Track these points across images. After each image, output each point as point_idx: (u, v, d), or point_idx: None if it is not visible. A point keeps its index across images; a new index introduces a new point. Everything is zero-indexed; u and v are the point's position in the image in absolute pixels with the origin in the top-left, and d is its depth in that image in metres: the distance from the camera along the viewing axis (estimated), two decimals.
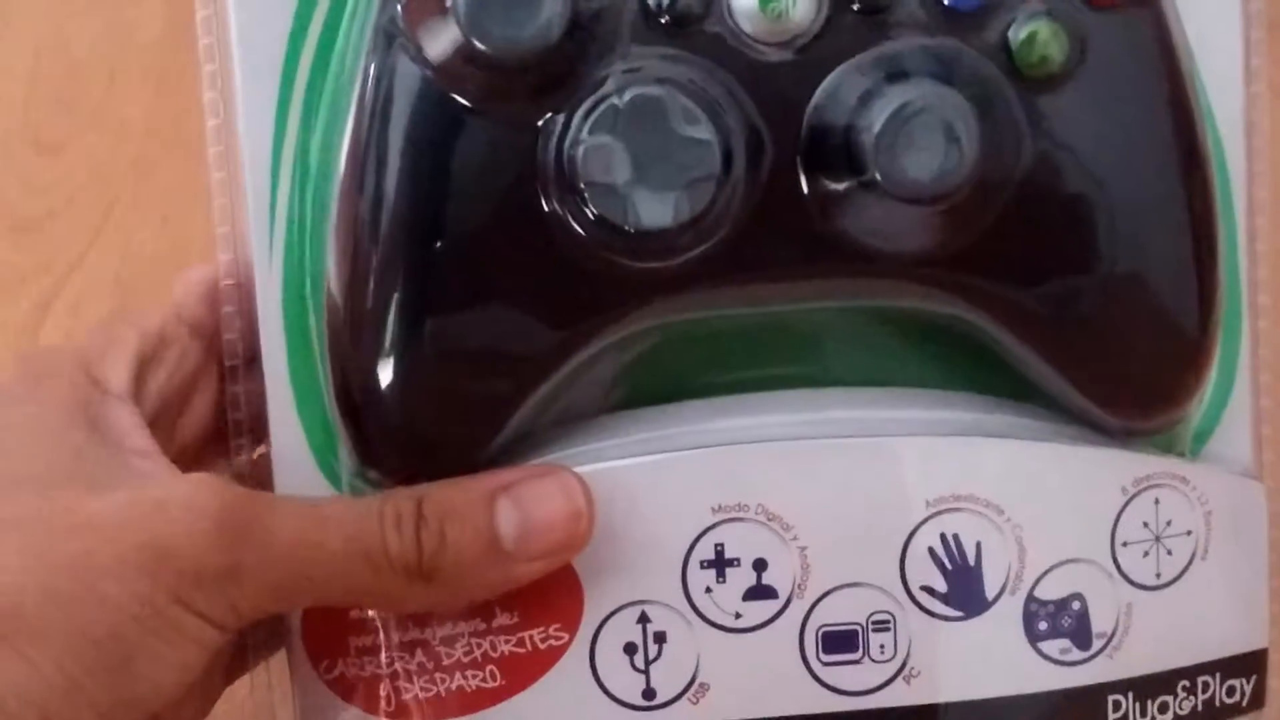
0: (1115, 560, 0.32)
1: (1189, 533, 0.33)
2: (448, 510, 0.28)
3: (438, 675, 0.30)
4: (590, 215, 0.28)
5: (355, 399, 0.29)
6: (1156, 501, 0.32)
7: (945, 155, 0.28)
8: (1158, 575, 0.32)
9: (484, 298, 0.28)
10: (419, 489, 0.28)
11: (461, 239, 0.28)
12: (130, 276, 0.50)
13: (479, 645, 0.29)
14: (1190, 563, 0.33)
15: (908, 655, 0.30)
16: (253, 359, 0.31)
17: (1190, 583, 0.32)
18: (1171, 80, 0.31)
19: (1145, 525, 0.32)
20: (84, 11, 0.65)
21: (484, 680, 0.29)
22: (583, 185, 0.28)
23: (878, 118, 0.28)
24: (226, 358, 0.31)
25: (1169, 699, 0.32)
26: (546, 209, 0.29)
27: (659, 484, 0.30)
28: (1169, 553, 0.32)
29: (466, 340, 0.29)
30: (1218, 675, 0.32)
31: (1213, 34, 0.32)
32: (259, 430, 0.31)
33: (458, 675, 0.30)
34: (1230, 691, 0.32)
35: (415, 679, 0.29)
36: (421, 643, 0.30)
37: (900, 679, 0.30)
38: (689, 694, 0.30)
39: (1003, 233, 0.30)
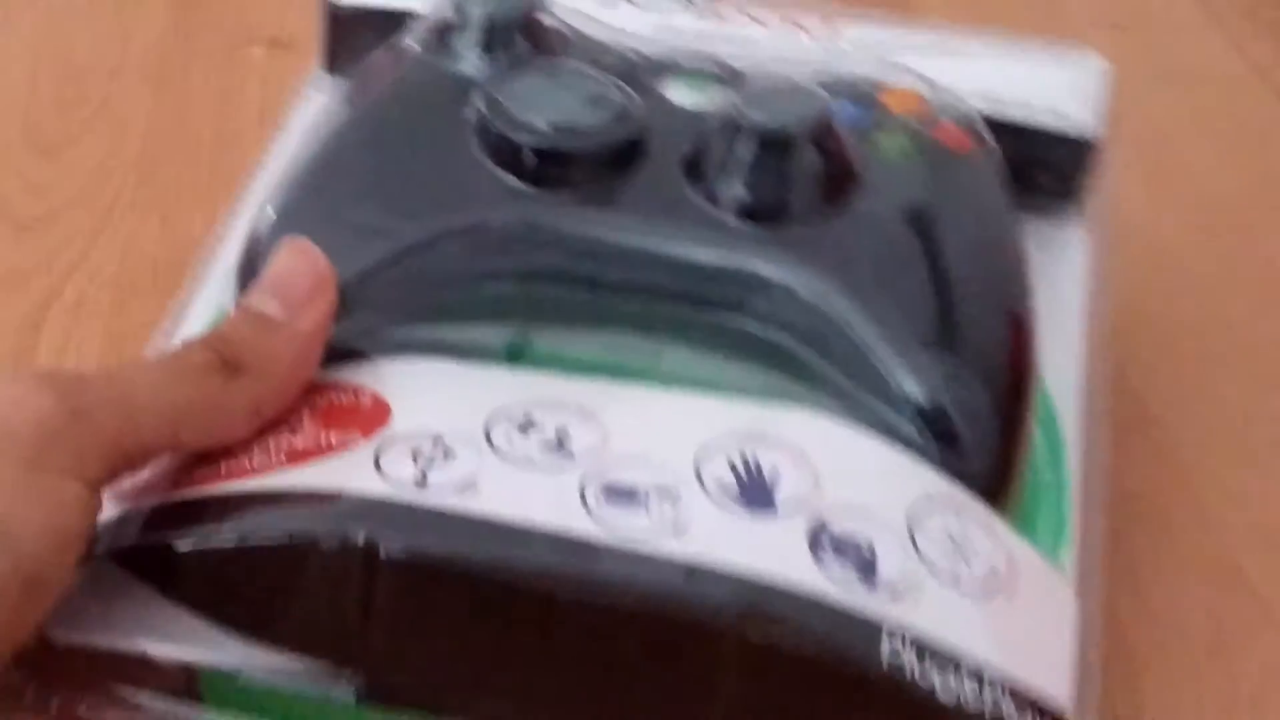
0: (913, 540, 0.30)
1: (993, 569, 0.30)
2: (225, 325, 0.32)
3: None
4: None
5: None
6: (958, 517, 0.31)
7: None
8: (956, 578, 0.30)
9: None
10: None
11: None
12: (130, 276, 0.50)
13: (276, 447, 0.31)
14: (993, 591, 0.30)
15: (684, 522, 0.30)
16: None
17: (993, 605, 0.30)
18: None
19: (949, 535, 0.31)
20: (84, 11, 0.65)
21: (266, 464, 0.31)
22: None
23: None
24: None
25: (952, 673, 0.28)
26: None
27: (482, 381, 0.33)
28: (968, 566, 0.30)
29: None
30: (1009, 698, 0.28)
31: None
32: None
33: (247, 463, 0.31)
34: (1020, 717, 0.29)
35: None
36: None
37: (670, 533, 0.29)
38: (457, 489, 0.30)
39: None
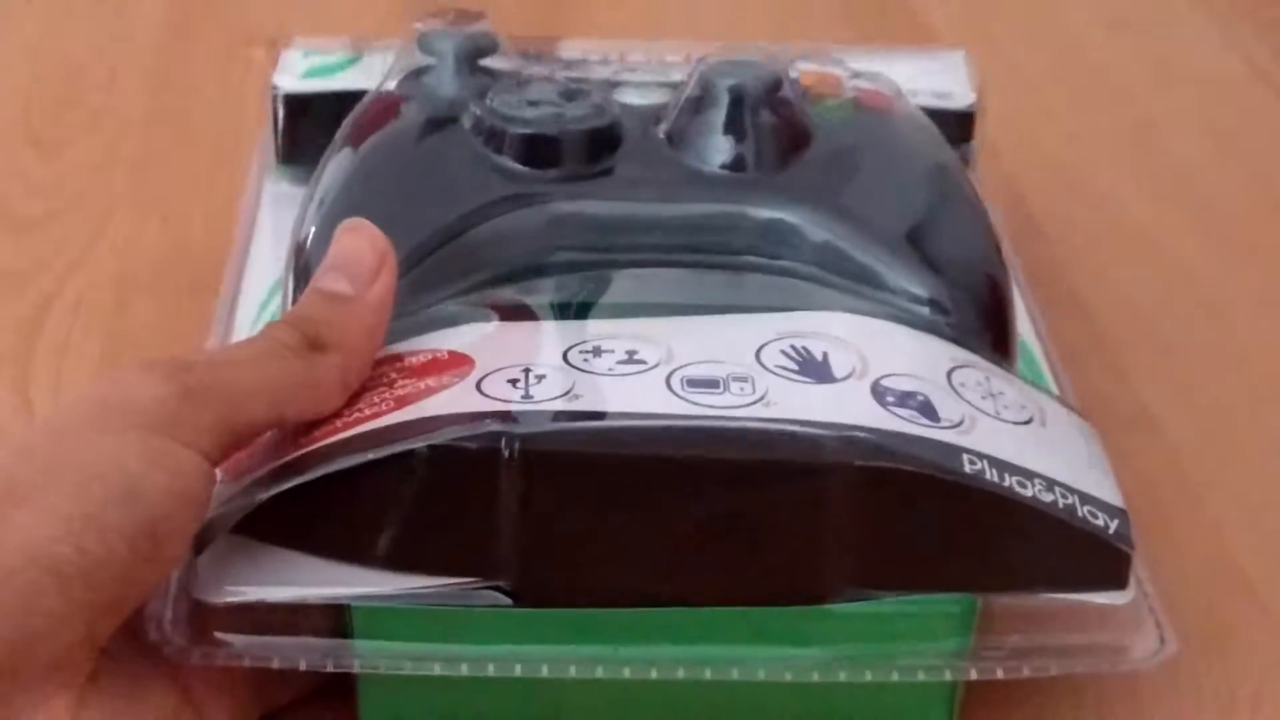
0: (956, 392, 0.34)
1: (1024, 408, 0.35)
2: (303, 305, 0.34)
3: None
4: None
5: None
6: (988, 378, 0.35)
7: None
8: (999, 416, 0.34)
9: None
10: None
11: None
12: (130, 276, 0.50)
13: (380, 399, 0.33)
14: (1034, 424, 0.34)
15: (765, 394, 0.33)
16: None
17: (1036, 434, 0.34)
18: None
19: (983, 387, 0.35)
20: (84, 11, 0.65)
21: (377, 412, 0.33)
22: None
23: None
24: None
25: (1028, 482, 0.32)
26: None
27: (540, 330, 0.36)
28: (1007, 408, 0.34)
29: None
30: (1077, 498, 0.33)
31: None
32: None
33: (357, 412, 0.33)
34: (1094, 515, 0.33)
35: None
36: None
37: (759, 404, 0.33)
38: (563, 398, 0.33)
39: None
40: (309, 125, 0.45)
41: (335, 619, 0.32)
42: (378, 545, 0.31)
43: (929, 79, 0.43)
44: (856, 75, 0.43)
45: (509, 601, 0.32)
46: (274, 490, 0.31)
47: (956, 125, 0.44)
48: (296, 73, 0.47)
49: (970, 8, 0.69)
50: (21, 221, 0.53)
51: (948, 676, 0.33)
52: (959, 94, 0.44)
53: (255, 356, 0.33)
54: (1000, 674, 0.33)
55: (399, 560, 0.32)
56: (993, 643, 0.33)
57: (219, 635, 0.32)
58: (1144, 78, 0.65)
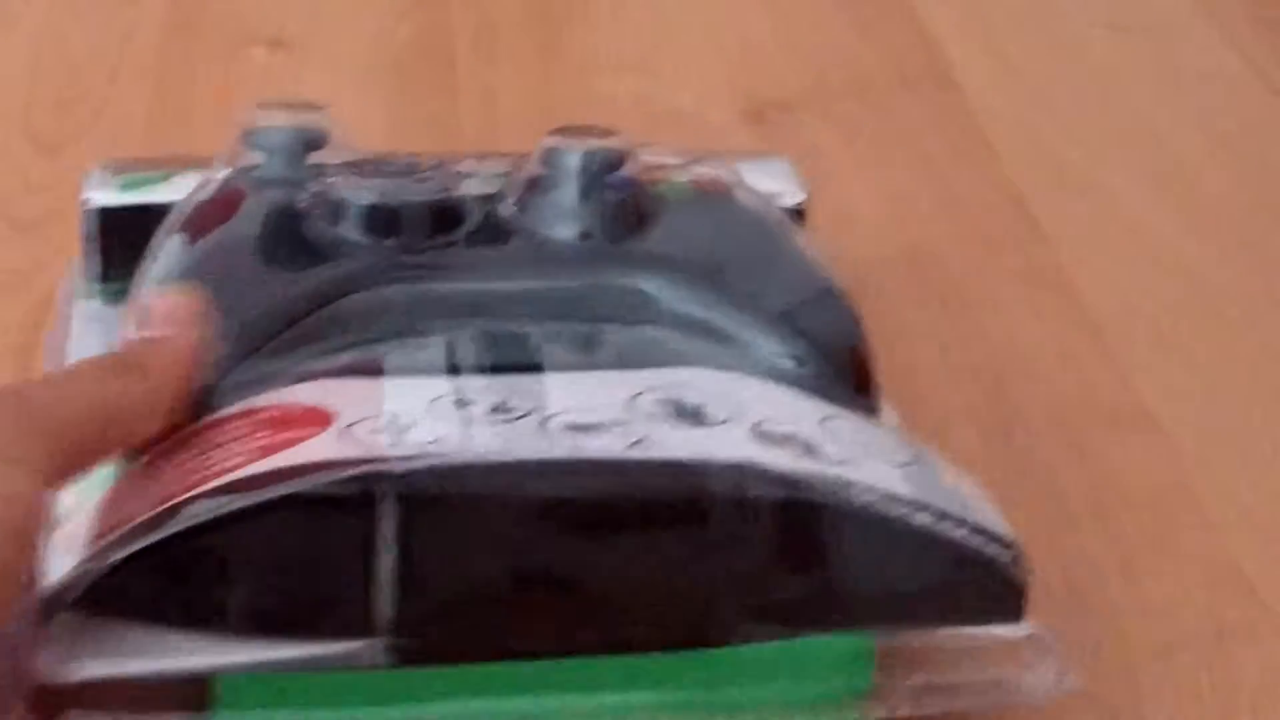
0: (830, 434, 0.34)
1: (899, 451, 0.35)
2: (125, 342, 0.36)
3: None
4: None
5: None
6: (861, 428, 0.35)
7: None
8: (878, 458, 0.34)
9: None
10: None
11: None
12: None
13: (239, 450, 0.32)
14: (911, 465, 0.34)
15: (645, 437, 0.32)
16: None
17: (918, 472, 0.34)
18: None
19: (855, 432, 0.34)
20: (84, 11, 0.65)
21: (237, 465, 0.31)
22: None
23: None
24: None
25: (918, 513, 0.32)
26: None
27: (400, 385, 0.34)
28: (882, 449, 0.34)
29: None
30: (968, 529, 0.32)
31: None
32: None
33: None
34: (986, 546, 0.32)
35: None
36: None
37: (640, 445, 0.32)
38: (433, 443, 0.31)
39: None
40: (128, 240, 0.42)
41: (199, 692, 0.30)
42: (242, 608, 0.30)
43: (756, 182, 0.44)
44: (689, 165, 0.43)
45: (388, 660, 0.30)
46: (126, 551, 0.29)
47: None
48: (112, 187, 0.44)
49: (970, 8, 0.69)
50: (21, 221, 0.53)
51: (850, 717, 0.33)
52: (789, 193, 0.46)
53: (81, 378, 0.33)
54: (901, 713, 0.32)
55: (266, 623, 0.30)
56: (893, 681, 0.32)
57: (72, 715, 0.29)
58: (1144, 78, 0.65)
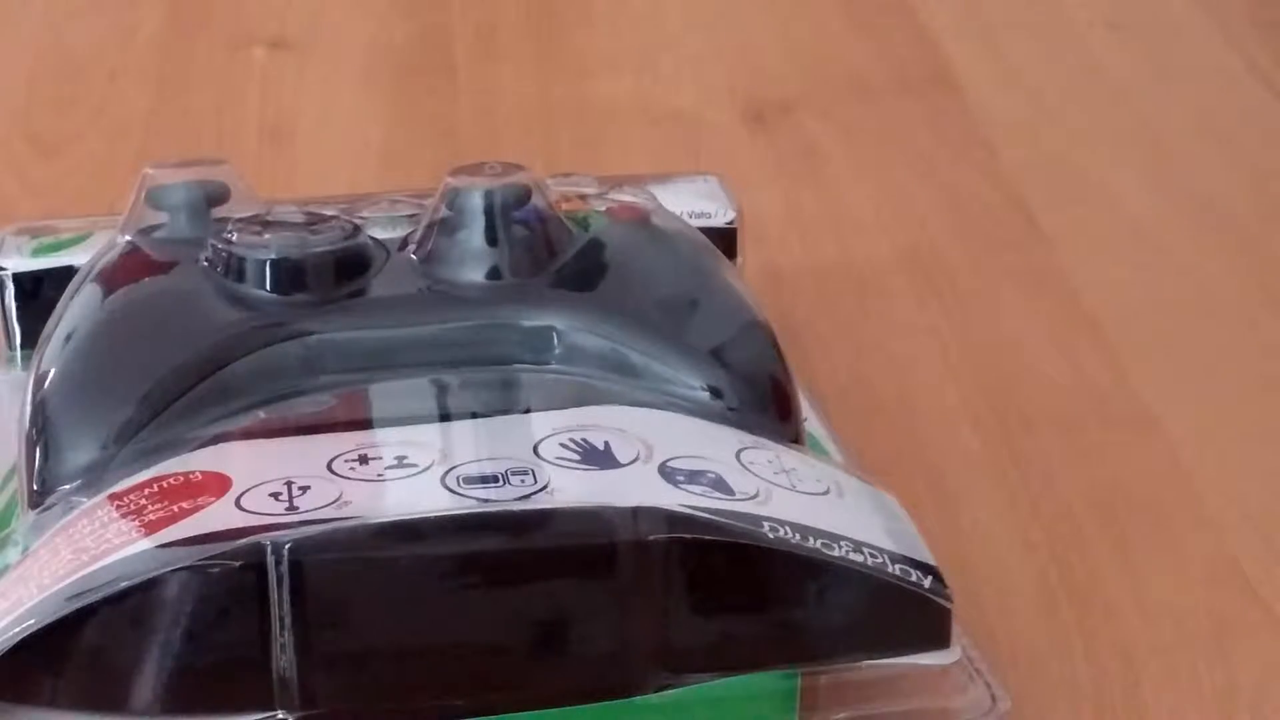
0: (744, 466, 0.33)
1: (819, 481, 0.34)
2: None
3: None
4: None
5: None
6: (778, 457, 0.34)
7: None
8: (796, 490, 0.33)
9: None
10: None
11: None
12: None
13: (125, 529, 0.31)
14: (831, 495, 0.34)
15: (549, 483, 0.32)
16: None
17: (836, 503, 0.33)
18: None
19: (774, 465, 0.34)
20: (84, 11, 0.65)
21: (122, 542, 0.30)
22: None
23: None
24: None
25: (834, 544, 0.31)
26: None
27: (299, 444, 0.33)
28: (801, 481, 0.34)
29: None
30: (887, 556, 0.32)
31: None
32: None
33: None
34: (907, 573, 0.32)
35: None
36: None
37: (543, 493, 0.31)
38: (329, 506, 0.31)
39: None
40: (45, 305, 0.41)
41: None
42: (135, 690, 0.29)
43: (686, 202, 0.44)
44: (607, 193, 0.42)
45: None
46: (6, 641, 0.29)
47: (719, 242, 0.44)
48: (24, 253, 0.44)
49: (970, 8, 0.69)
50: (21, 222, 0.53)
51: None
52: (718, 212, 0.46)
53: None
54: None
55: (161, 705, 0.29)
56: (818, 718, 0.32)
57: None
58: (1144, 78, 0.65)
